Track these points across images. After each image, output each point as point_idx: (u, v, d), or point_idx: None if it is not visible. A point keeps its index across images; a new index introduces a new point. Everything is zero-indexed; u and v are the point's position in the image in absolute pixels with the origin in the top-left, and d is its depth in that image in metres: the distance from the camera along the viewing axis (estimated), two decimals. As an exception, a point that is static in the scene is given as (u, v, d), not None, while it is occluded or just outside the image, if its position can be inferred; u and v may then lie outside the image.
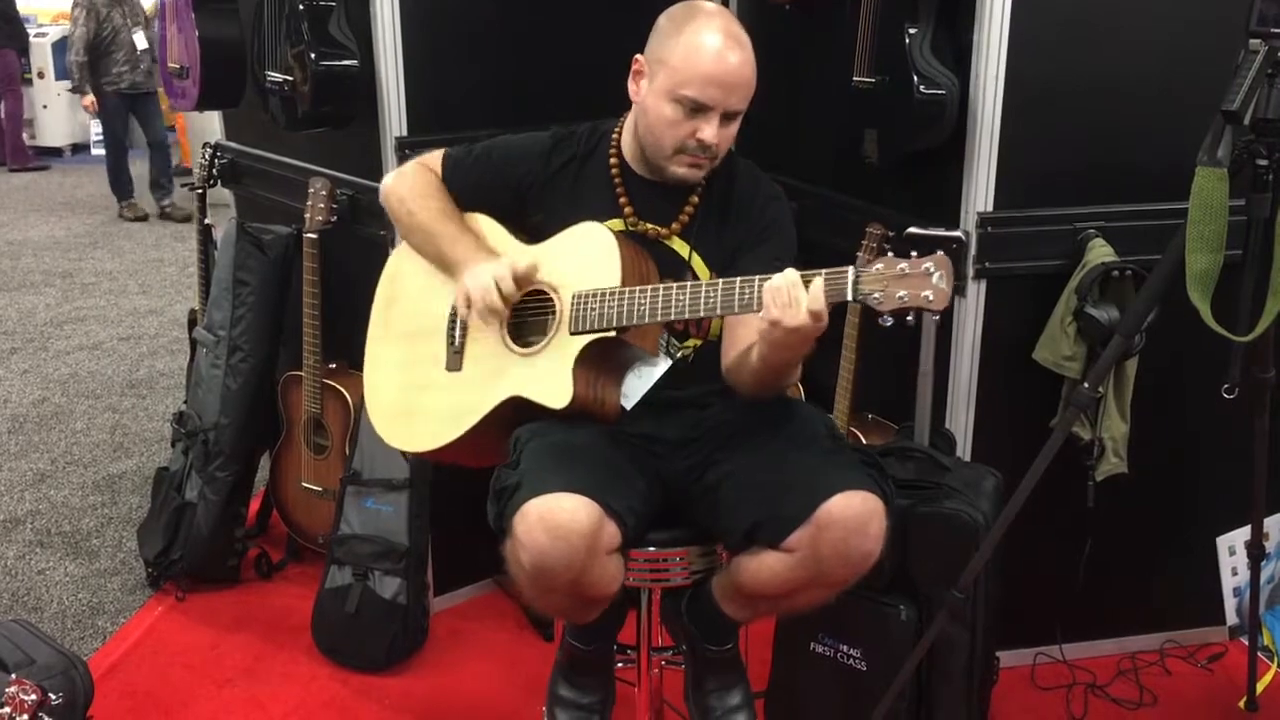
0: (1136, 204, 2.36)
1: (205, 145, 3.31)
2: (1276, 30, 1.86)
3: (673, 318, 1.77)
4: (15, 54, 9.29)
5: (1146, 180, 2.34)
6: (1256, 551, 2.41)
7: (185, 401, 3.23)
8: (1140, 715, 2.54)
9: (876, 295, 1.59)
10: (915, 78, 2.29)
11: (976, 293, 2.37)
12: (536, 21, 2.78)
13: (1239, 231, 1.99)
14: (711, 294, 1.71)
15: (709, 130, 1.82)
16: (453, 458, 1.99)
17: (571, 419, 1.82)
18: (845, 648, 2.23)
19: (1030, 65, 2.25)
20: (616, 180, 1.96)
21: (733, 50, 1.81)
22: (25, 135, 9.67)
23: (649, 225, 1.94)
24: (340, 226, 2.80)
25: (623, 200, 1.95)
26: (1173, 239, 1.96)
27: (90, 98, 7.23)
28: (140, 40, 7.13)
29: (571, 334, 1.83)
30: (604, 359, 1.84)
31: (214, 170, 3.26)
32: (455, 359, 1.96)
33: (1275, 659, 2.67)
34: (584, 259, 1.85)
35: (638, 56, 1.90)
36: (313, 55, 2.58)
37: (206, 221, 3.33)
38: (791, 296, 1.61)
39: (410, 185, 2.04)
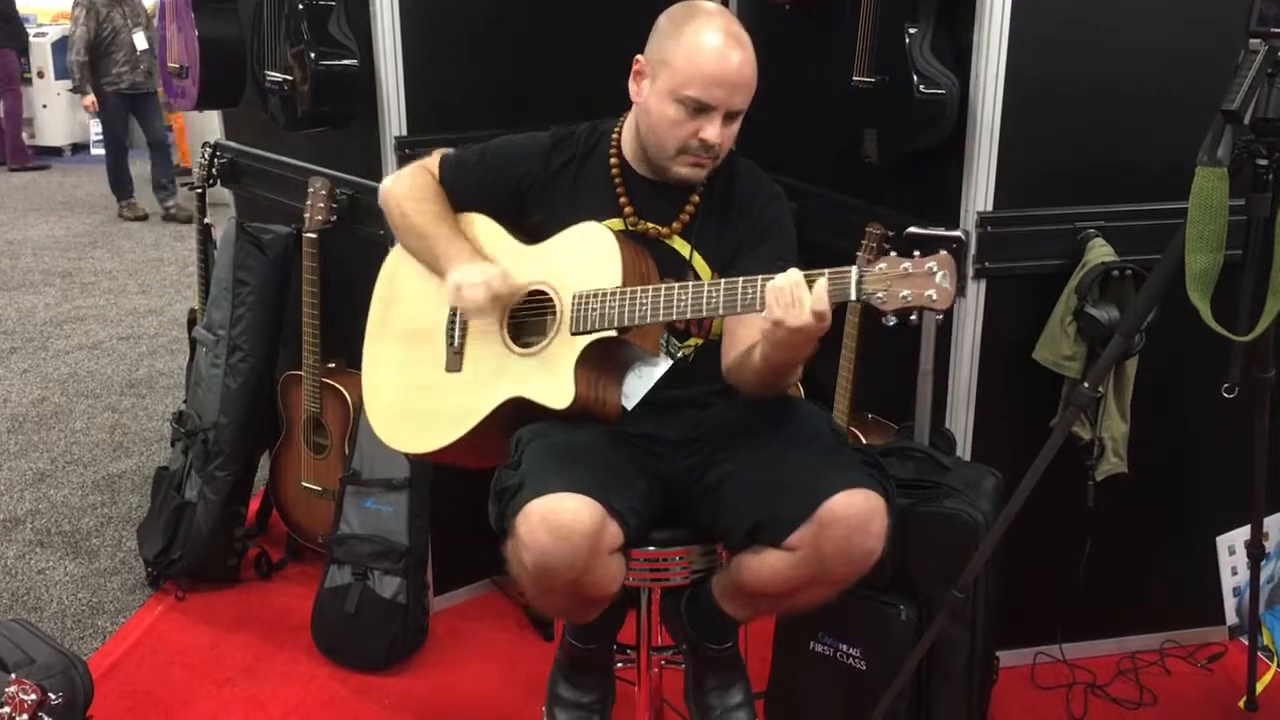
0: (1136, 204, 2.36)
1: (205, 145, 3.31)
2: (1276, 30, 1.86)
3: (674, 317, 1.77)
4: (15, 54, 9.30)
5: (1146, 180, 2.34)
6: (1256, 551, 2.41)
7: (185, 401, 3.23)
8: (1140, 715, 2.54)
9: (880, 295, 1.59)
10: (915, 77, 2.29)
11: (976, 292, 2.37)
12: (536, 21, 2.78)
13: (1239, 231, 1.99)
14: (714, 294, 1.71)
15: (712, 130, 1.82)
16: (452, 459, 1.99)
17: (573, 419, 1.82)
18: (845, 647, 2.23)
19: (1030, 65, 2.25)
20: (617, 180, 1.96)
21: (734, 50, 1.81)
22: (25, 135, 9.68)
23: (649, 225, 1.94)
24: (340, 226, 2.80)
25: (623, 200, 1.95)
26: (1173, 239, 1.96)
27: (91, 98, 7.23)
28: (140, 40, 7.12)
29: (573, 334, 1.82)
30: (605, 359, 1.84)
31: (213, 170, 3.26)
32: (455, 359, 1.96)
33: (1275, 659, 2.67)
34: (584, 259, 1.85)
35: (638, 57, 1.89)
36: (312, 55, 2.58)
37: (206, 221, 3.34)
38: (795, 296, 1.61)
39: (407, 188, 2.04)
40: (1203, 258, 1.91)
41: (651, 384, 1.84)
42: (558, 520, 1.63)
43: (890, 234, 2.41)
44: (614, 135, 1.98)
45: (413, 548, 2.72)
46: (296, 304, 2.92)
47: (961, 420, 2.44)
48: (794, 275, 1.62)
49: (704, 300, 1.72)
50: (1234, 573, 2.73)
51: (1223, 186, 1.88)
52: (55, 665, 2.00)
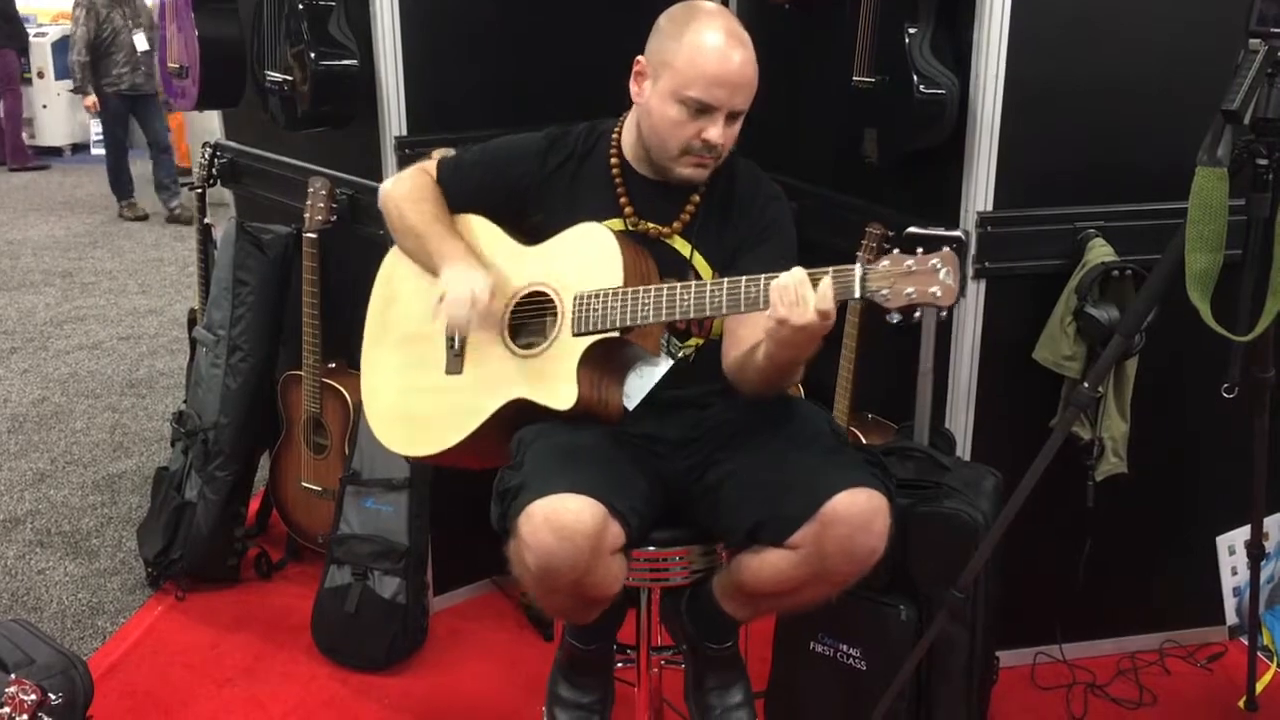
0: (1136, 204, 2.36)
1: (205, 145, 3.31)
2: (1276, 30, 1.86)
3: (677, 317, 1.76)
4: (15, 54, 9.30)
5: (1146, 180, 2.34)
6: (1256, 551, 2.41)
7: (185, 401, 3.23)
8: (1140, 715, 2.54)
9: (884, 292, 1.59)
10: (915, 77, 2.29)
11: (976, 292, 2.37)
12: (536, 21, 2.78)
13: (1239, 231, 1.99)
14: (717, 293, 1.71)
15: (715, 130, 1.82)
16: (452, 461, 1.99)
17: (574, 420, 1.82)
18: (845, 647, 2.23)
19: (1030, 65, 2.25)
20: (617, 180, 1.96)
21: (736, 50, 1.81)
22: (25, 135, 9.68)
23: (650, 225, 1.94)
24: (340, 226, 2.80)
25: (623, 200, 1.95)
26: (1173, 239, 1.96)
27: (93, 98, 7.23)
28: (141, 42, 7.11)
29: (575, 335, 1.82)
30: (607, 359, 1.84)
31: (213, 170, 3.26)
32: (456, 362, 1.95)
33: (1275, 659, 2.67)
34: (584, 259, 1.85)
35: (639, 58, 1.89)
36: (312, 55, 2.58)
37: (206, 221, 3.34)
38: (799, 295, 1.61)
39: (405, 190, 2.04)
40: (1203, 258, 1.91)
41: (653, 384, 1.84)
42: (561, 521, 1.63)
43: (890, 234, 2.41)
44: (614, 135, 1.98)
45: (413, 548, 2.71)
46: (296, 304, 2.92)
47: (961, 420, 2.44)
48: (798, 273, 1.62)
49: (707, 299, 1.72)
50: (1234, 573, 2.73)
51: (1223, 186, 1.88)
52: (55, 665, 2.00)
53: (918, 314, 1.59)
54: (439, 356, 1.97)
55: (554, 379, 1.82)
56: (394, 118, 2.59)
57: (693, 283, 1.75)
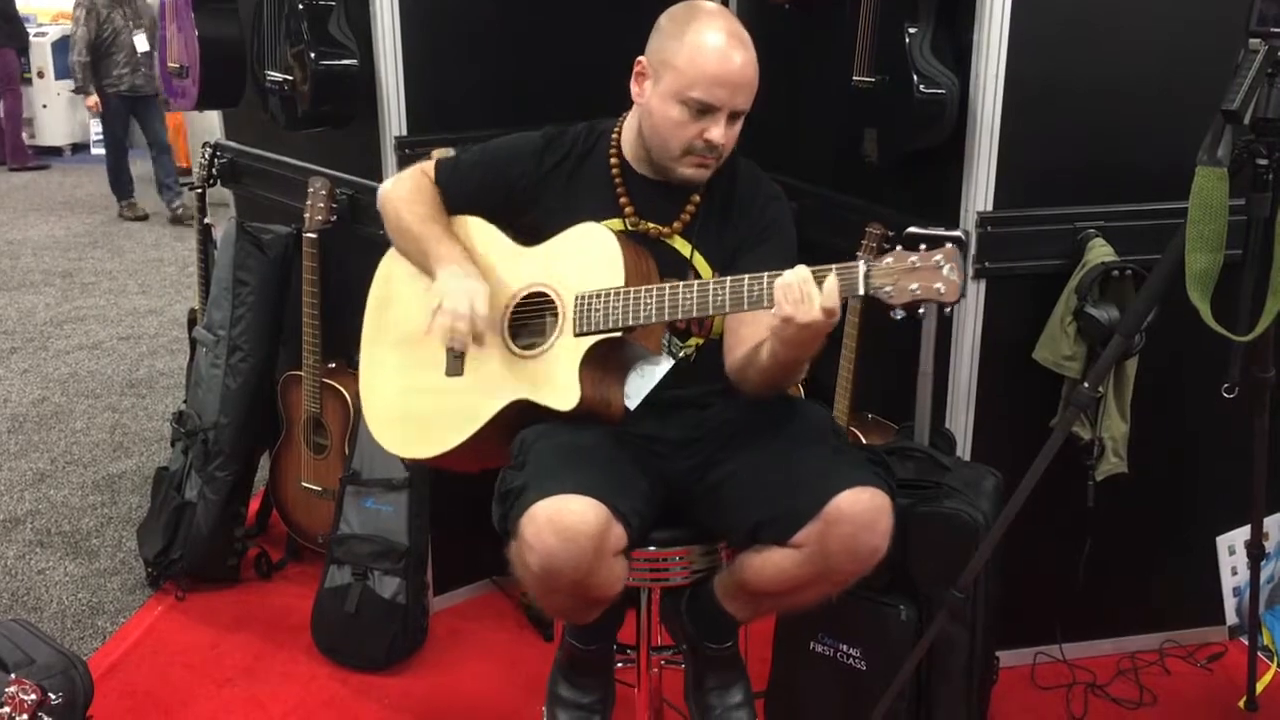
0: (1136, 204, 2.36)
1: (205, 145, 3.31)
2: (1276, 30, 1.87)
3: (680, 316, 1.76)
4: (15, 53, 9.30)
5: (1146, 180, 2.34)
6: (1256, 551, 2.41)
7: (185, 401, 3.23)
8: (1140, 715, 2.54)
9: (888, 289, 1.59)
10: (915, 77, 2.29)
11: (976, 292, 2.37)
12: (536, 21, 2.78)
13: (1239, 231, 1.99)
14: (720, 292, 1.71)
15: (716, 131, 1.82)
16: (451, 464, 1.98)
17: (576, 420, 1.82)
18: (845, 647, 2.23)
19: (1030, 65, 2.25)
20: (617, 180, 1.96)
21: (737, 50, 1.81)
22: (25, 135, 9.67)
23: (650, 225, 1.94)
24: (340, 226, 2.80)
25: (623, 200, 1.95)
26: (1173, 239, 1.96)
27: (94, 98, 7.23)
28: (141, 42, 7.11)
29: (576, 335, 1.82)
30: (608, 359, 1.83)
31: (213, 170, 3.26)
32: (456, 364, 1.93)
33: (1275, 659, 2.67)
34: (585, 260, 1.84)
35: (640, 58, 1.89)
36: (312, 55, 2.58)
37: (206, 221, 3.33)
38: (804, 292, 1.61)
39: (403, 191, 2.04)
40: (1203, 258, 1.91)
41: (654, 383, 1.83)
42: (564, 522, 1.63)
43: (890, 234, 2.41)
44: (614, 135, 1.98)
45: (412, 548, 2.71)
46: (296, 304, 2.92)
47: (961, 420, 2.44)
48: (802, 271, 1.62)
49: (710, 298, 1.72)
50: (1234, 573, 2.73)
51: (1223, 186, 1.89)
52: (55, 665, 2.00)
53: (921, 310, 1.59)
54: (438, 358, 1.96)
55: (556, 380, 1.82)
56: (394, 117, 2.59)
57: (695, 282, 1.75)
